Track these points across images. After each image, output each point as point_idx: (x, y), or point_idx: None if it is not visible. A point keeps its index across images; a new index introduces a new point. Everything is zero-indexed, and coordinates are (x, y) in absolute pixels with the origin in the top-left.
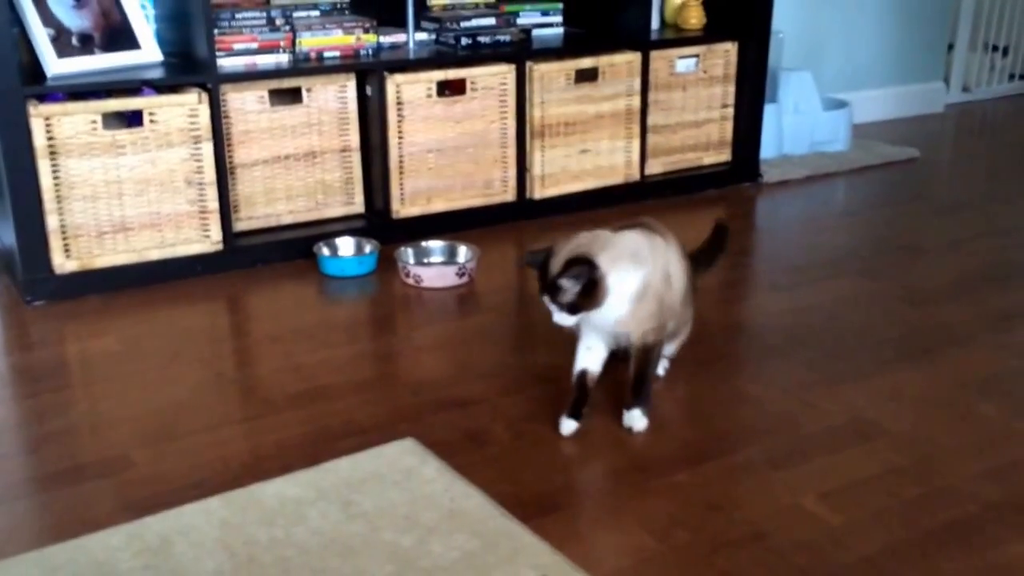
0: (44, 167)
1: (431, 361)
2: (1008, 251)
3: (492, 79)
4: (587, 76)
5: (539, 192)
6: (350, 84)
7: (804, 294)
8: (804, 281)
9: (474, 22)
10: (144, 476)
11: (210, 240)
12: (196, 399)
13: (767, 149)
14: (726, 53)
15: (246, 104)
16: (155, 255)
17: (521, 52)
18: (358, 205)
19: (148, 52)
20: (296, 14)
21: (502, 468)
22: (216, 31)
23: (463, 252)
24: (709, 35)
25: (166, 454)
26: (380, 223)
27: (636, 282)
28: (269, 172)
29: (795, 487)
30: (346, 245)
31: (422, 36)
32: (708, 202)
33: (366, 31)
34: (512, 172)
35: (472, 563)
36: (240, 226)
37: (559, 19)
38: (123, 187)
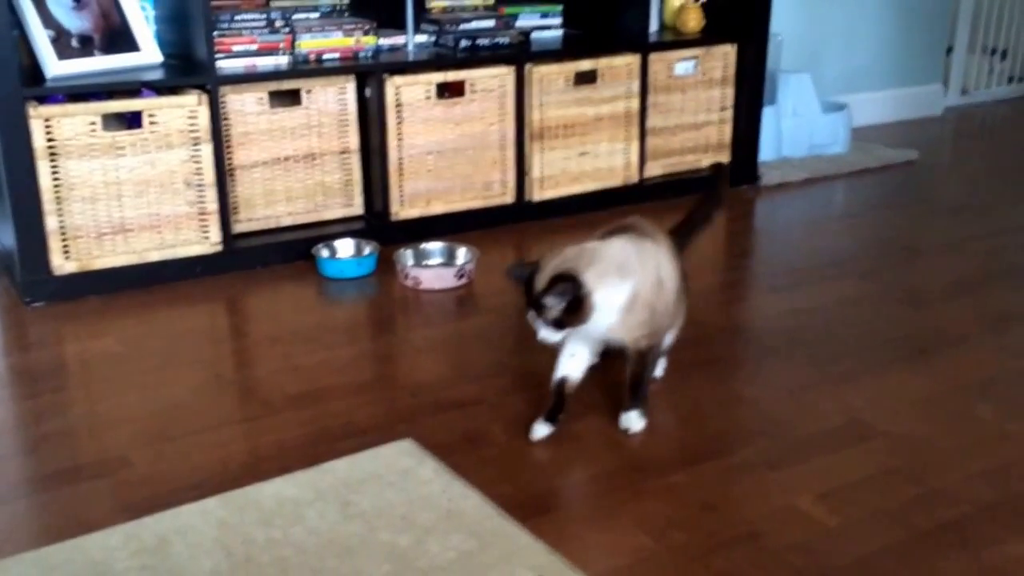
0: (44, 168)
1: (429, 362)
2: (1006, 253)
3: (491, 81)
4: (586, 78)
5: (538, 194)
6: (349, 86)
7: (802, 296)
8: (802, 283)
9: (473, 24)
10: (142, 477)
11: (209, 241)
12: (195, 400)
13: (766, 151)
14: (725, 55)
15: (245, 106)
16: (154, 256)
17: (520, 54)
18: (357, 207)
19: (148, 54)
20: (295, 16)
21: (499, 469)
22: (216, 33)
23: (462, 254)
24: (708, 37)
25: (164, 455)
26: (379, 225)
27: (624, 295)
28: (268, 174)
29: (791, 488)
30: (345, 247)
31: (421, 38)
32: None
33: (365, 33)
34: (511, 174)
35: (469, 563)
36: (239, 228)
37: (558, 21)
38: (122, 188)
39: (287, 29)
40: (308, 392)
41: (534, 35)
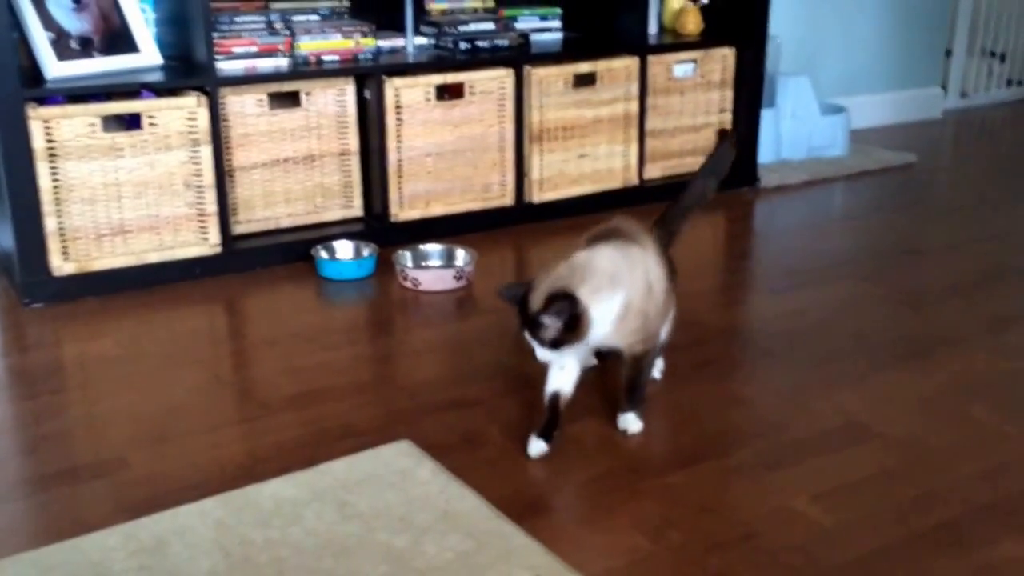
0: (43, 169)
1: (428, 364)
2: (1004, 255)
3: (491, 83)
4: (585, 81)
5: (537, 196)
6: (349, 88)
7: (800, 297)
8: (800, 285)
9: (473, 26)
10: (140, 477)
11: (208, 243)
12: (193, 401)
13: (765, 154)
14: (724, 58)
15: (245, 107)
16: (153, 258)
17: (520, 56)
18: (356, 208)
19: (147, 55)
20: (295, 18)
21: (497, 470)
22: (215, 34)
23: (461, 256)
24: (707, 40)
25: (163, 456)
26: (378, 226)
27: (617, 306)
28: (268, 175)
29: (788, 489)
30: (344, 248)
31: (421, 40)
32: (706, 206)
33: (365, 35)
34: (510, 176)
35: (466, 564)
36: (239, 229)
37: (557, 24)
38: (122, 190)
39: (287, 31)
40: (306, 393)
41: (533, 37)
